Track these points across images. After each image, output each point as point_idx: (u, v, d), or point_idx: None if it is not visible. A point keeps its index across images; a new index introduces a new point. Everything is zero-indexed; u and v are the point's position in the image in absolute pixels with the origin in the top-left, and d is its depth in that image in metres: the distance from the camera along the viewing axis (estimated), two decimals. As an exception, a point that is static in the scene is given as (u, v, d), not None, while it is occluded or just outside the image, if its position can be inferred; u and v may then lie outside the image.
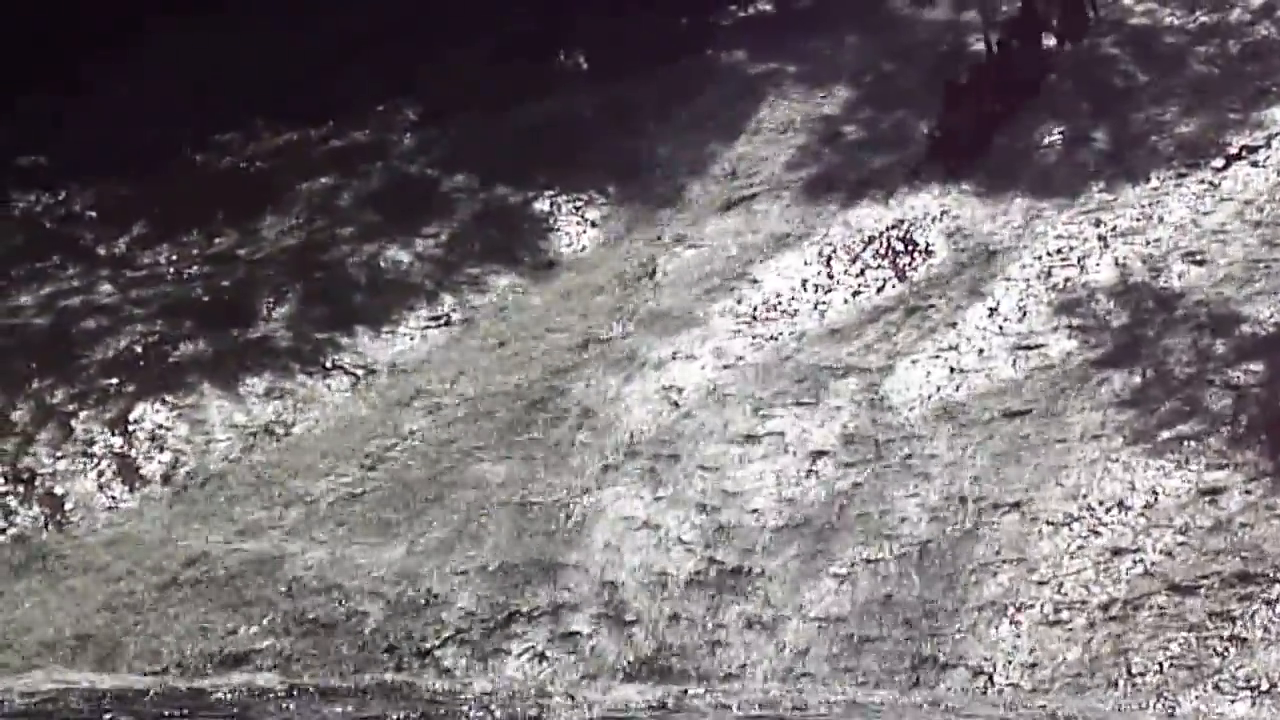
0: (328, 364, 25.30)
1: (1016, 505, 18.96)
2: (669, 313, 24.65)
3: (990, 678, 16.81)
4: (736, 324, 24.16)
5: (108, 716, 15.45)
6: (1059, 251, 24.27)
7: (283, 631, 18.34)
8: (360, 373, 25.02)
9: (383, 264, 27.84)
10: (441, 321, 26.25)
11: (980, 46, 29.05)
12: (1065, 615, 17.40)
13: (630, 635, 17.63)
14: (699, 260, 26.07)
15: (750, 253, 25.87)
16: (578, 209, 28.72)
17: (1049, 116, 28.72)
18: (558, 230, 28.39)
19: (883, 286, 24.45)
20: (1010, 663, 16.97)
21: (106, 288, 27.81)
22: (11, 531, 21.97)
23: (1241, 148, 25.82)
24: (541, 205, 28.79)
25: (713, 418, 21.37)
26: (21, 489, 22.84)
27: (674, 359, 23.23)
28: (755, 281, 25.15)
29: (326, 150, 30.89)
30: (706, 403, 21.79)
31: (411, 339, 25.86)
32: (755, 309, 24.51)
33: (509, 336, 24.72)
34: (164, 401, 24.52)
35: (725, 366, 22.81)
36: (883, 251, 25.43)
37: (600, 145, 29.74)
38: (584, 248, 27.75)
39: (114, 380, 25.14)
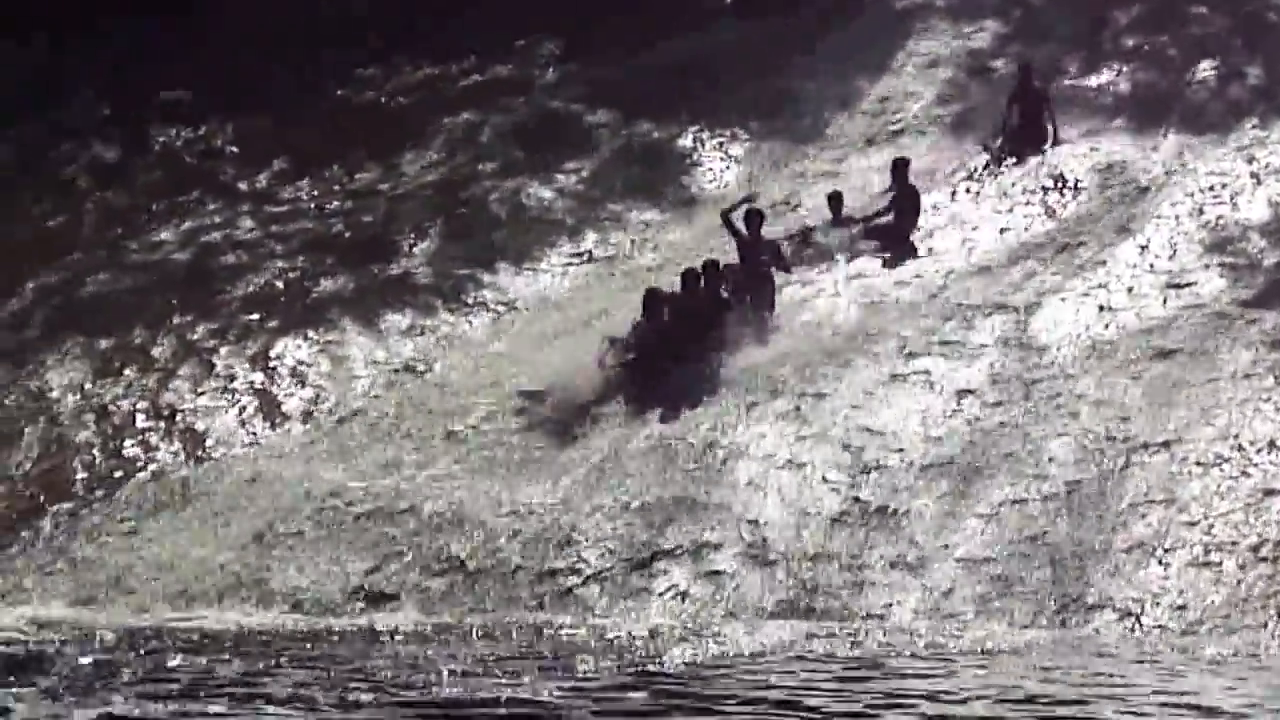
0: (469, 300, 25.23)
1: (1166, 445, 18.58)
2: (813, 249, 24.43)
3: (1138, 619, 16.48)
4: (878, 263, 23.88)
5: (245, 653, 15.45)
6: (1210, 189, 23.83)
7: (423, 569, 18.25)
8: (501, 309, 24.93)
9: (524, 200, 27.75)
10: (583, 258, 26.14)
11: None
12: (1215, 557, 17.06)
13: (773, 574, 17.40)
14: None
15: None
16: (720, 145, 28.50)
17: (1200, 53, 28.20)
18: (700, 166, 28.20)
19: (1031, 224, 24.08)
20: (1158, 604, 16.64)
21: (247, 223, 27.89)
22: (152, 467, 22.03)
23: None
24: (684, 141, 28.61)
25: (858, 356, 21.09)
26: (162, 425, 22.92)
27: (818, 296, 22.98)
28: (905, 215, 24.89)
29: (468, 85, 30.78)
30: (852, 340, 21.51)
31: (553, 275, 25.75)
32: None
33: (651, 273, 24.51)
34: (305, 338, 24.54)
35: (870, 304, 22.52)
36: (1031, 188, 25.05)
37: (743, 81, 29.46)
38: (726, 184, 27.53)
39: (255, 316, 25.18)
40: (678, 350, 21.38)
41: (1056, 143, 25.98)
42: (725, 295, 21.91)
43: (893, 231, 24.37)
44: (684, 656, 15.10)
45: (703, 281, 21.81)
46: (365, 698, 12.41)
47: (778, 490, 18.65)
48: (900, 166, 25.00)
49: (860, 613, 16.74)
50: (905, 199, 24.60)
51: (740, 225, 23.09)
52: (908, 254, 23.91)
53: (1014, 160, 25.76)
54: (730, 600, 16.98)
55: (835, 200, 24.85)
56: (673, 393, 21.01)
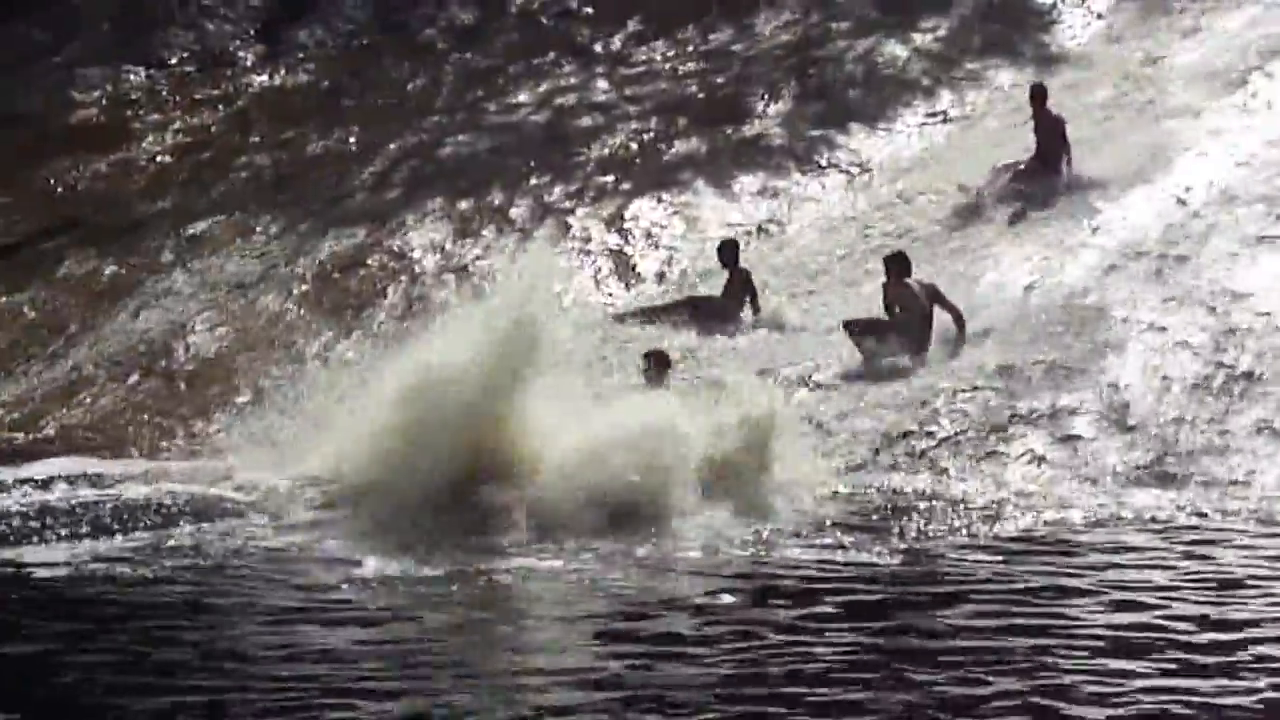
0: (822, 162, 25.06)
1: None
2: (1174, 109, 23.76)
3: None
4: (1249, 121, 23.13)
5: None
6: None
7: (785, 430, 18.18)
8: (854, 171, 24.73)
9: (879, 60, 27.45)
10: (939, 118, 25.78)
11: None
12: None
13: (1132, 439, 17.00)
14: (1208, 55, 25.02)
15: (1270, 42, 24.76)
16: (1083, 1, 27.86)
17: None
18: (1061, 24, 27.58)
19: None
20: None
21: (602, 85, 28.04)
22: (510, 326, 22.33)
23: None
24: (1046, -2, 28.11)
25: (1223, 217, 20.48)
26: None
27: (1185, 153, 22.34)
28: (1270, 76, 24.05)
29: (822, -57, 30.48)
30: (1216, 202, 20.89)
31: (907, 136, 25.46)
32: (1270, 105, 23.44)
33: (1009, 134, 24.08)
34: (658, 199, 24.64)
35: (1237, 165, 21.82)
36: None
37: (1108, -67, 28.72)
38: (1087, 41, 26.92)
39: (609, 178, 25.34)
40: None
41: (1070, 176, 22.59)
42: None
43: (1038, 174, 22.62)
44: (1036, 522, 14.94)
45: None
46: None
47: (1139, 354, 18.21)
48: (1038, 95, 23.03)
49: (1222, 480, 16.28)
50: (1046, 132, 22.69)
51: None
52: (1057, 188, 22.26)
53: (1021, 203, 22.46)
54: (1088, 466, 16.64)
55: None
56: (1034, 253, 20.72)
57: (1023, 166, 22.79)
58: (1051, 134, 22.59)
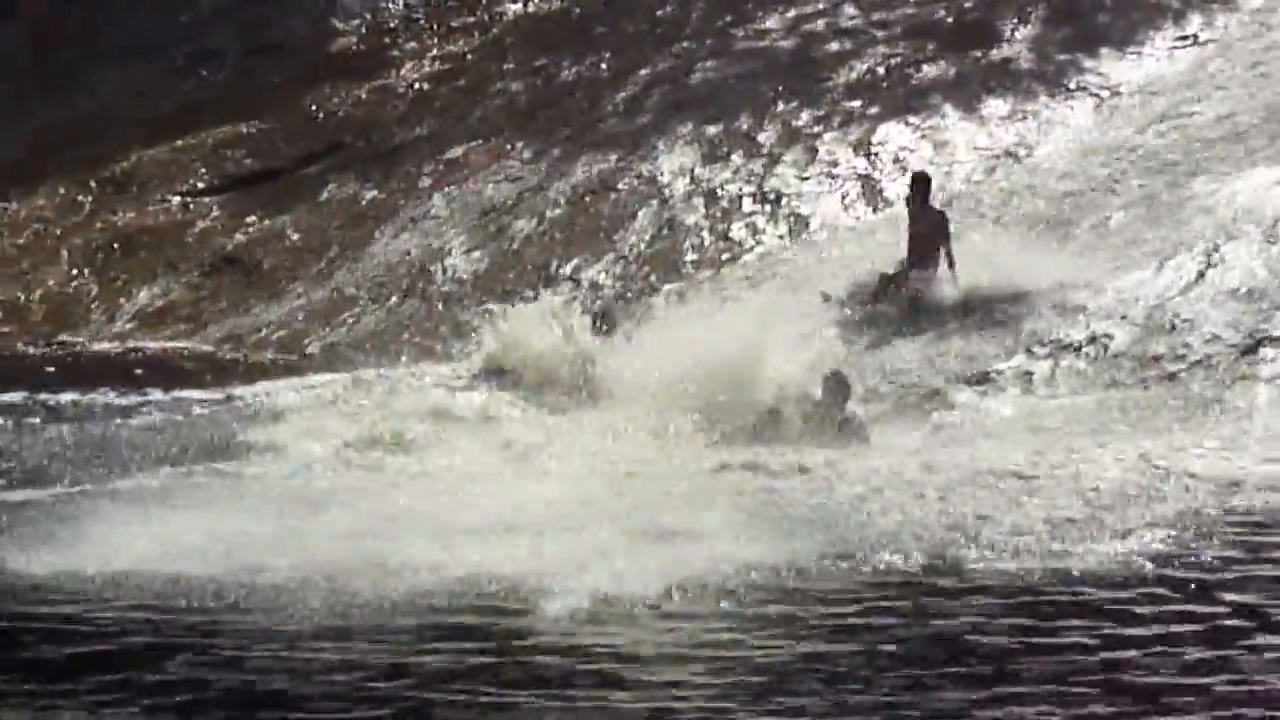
0: (1071, 86, 24.99)
1: None
2: None
3: None
4: None
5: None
6: None
7: (1024, 351, 18.31)
8: (1104, 94, 24.63)
9: (1129, -18, 27.29)
10: (1189, 41, 25.56)
11: None
12: None
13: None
14: None
15: None
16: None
17: None
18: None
19: None
20: None
21: (850, 10, 28.13)
22: (758, 249, 22.66)
23: None
24: (1301, -83, 27.63)
25: None
26: (768, 209, 23.52)
27: None
28: None
29: None
30: None
31: (1157, 60, 25.28)
32: None
33: (1261, 57, 23.86)
34: (906, 123, 24.76)
35: None
36: None
37: None
38: (1345, -38, 26.51)
39: (857, 103, 25.50)
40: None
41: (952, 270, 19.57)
42: None
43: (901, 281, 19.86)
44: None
45: None
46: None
47: None
48: (919, 185, 20.27)
49: None
50: (926, 227, 19.79)
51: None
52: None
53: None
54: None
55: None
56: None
57: (892, 272, 19.84)
58: (931, 232, 19.62)
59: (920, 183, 20.36)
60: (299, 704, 9.44)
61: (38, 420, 17.71)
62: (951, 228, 19.84)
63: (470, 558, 11.71)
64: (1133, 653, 9.78)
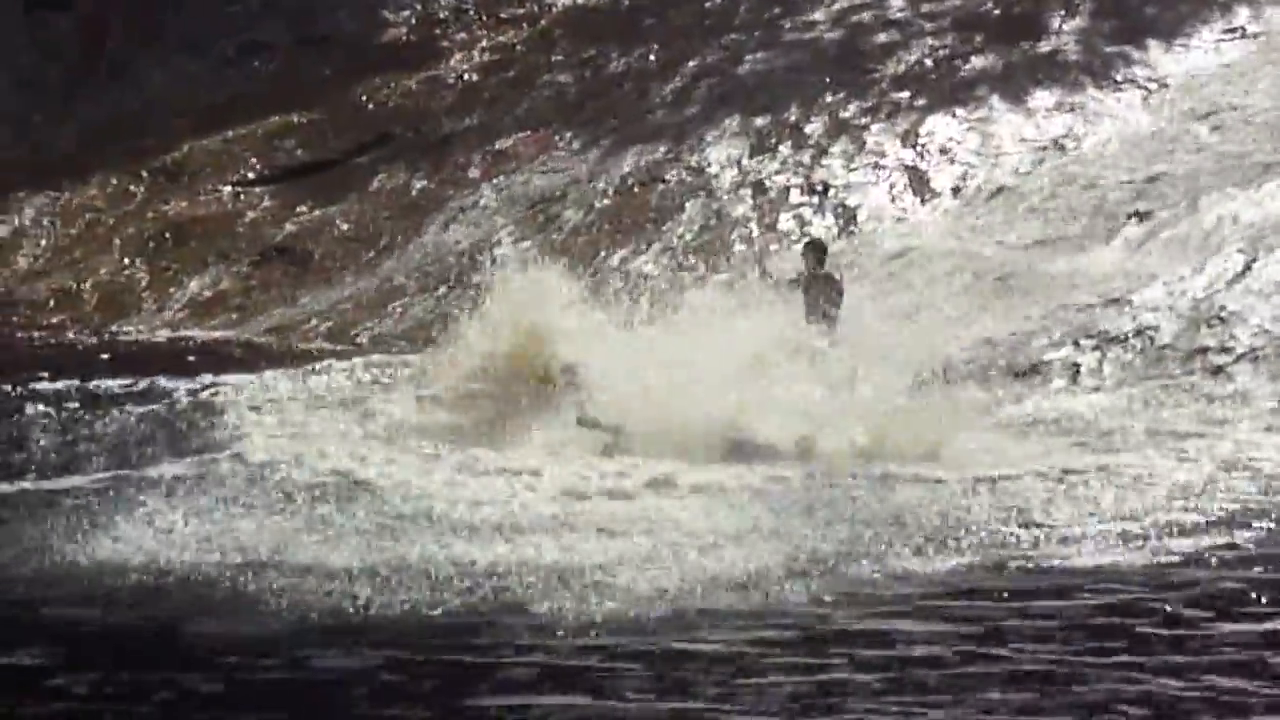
0: (1118, 77, 24.99)
1: None
2: None
3: None
4: None
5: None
6: None
7: (1071, 342, 18.33)
8: (1152, 86, 24.61)
9: (1176, -25, 27.25)
10: (1236, 34, 25.52)
11: None
12: None
13: None
14: None
15: None
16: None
17: None
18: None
19: None
20: None
21: (898, 1, 28.14)
22: (805, 240, 22.59)
23: None
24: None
25: None
26: (815, 200, 23.60)
27: None
28: None
29: None
30: None
31: (1204, 52, 25.25)
32: None
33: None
34: (954, 115, 24.79)
35: None
36: None
37: None
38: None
39: (904, 94, 25.54)
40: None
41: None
42: None
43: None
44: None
45: None
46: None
47: None
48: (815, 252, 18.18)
49: None
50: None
51: None
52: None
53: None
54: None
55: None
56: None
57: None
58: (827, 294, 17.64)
59: (816, 249, 18.20)
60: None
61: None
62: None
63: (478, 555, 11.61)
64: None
